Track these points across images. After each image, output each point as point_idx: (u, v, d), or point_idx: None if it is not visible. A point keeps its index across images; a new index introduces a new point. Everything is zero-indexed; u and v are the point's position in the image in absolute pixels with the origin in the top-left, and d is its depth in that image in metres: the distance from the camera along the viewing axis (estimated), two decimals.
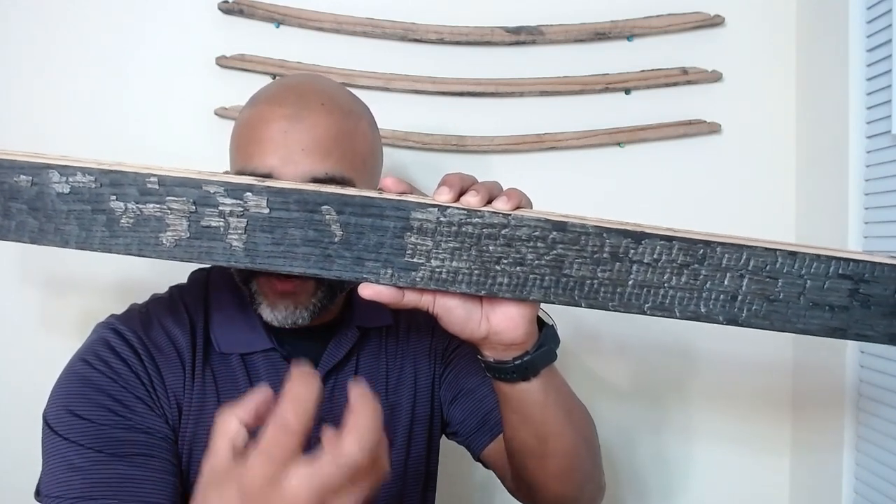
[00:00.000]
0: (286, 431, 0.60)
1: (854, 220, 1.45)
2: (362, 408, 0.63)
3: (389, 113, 1.39)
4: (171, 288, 1.17)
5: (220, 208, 0.81)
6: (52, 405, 0.99)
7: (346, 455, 0.60)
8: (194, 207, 0.81)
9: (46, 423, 0.97)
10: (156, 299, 1.14)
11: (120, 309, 1.11)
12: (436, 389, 1.22)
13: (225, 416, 0.65)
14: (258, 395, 0.66)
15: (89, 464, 0.93)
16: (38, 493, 0.96)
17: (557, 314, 0.97)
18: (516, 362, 0.92)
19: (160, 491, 0.95)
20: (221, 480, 0.62)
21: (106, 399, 0.98)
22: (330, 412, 1.12)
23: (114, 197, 0.81)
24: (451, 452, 1.29)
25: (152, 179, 0.80)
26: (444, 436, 1.26)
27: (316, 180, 0.96)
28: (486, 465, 1.22)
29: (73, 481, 0.92)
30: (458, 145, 1.60)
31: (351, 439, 0.60)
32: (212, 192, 0.81)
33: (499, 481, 1.20)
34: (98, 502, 0.91)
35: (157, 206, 0.81)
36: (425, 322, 1.20)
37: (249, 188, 0.81)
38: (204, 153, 1.33)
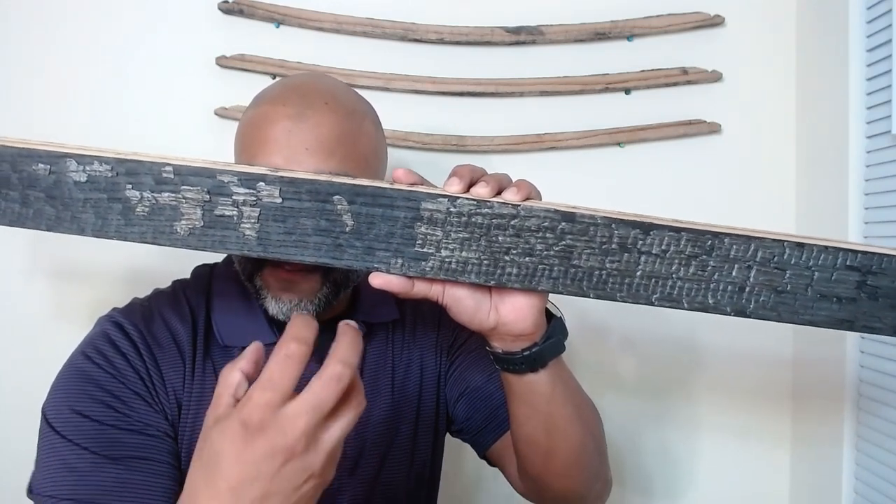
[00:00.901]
0: (288, 360, 0.67)
1: (854, 219, 1.45)
2: (342, 334, 0.71)
3: (389, 113, 1.39)
4: (175, 282, 1.17)
5: (234, 198, 0.81)
6: (51, 400, 0.99)
7: (331, 371, 0.67)
8: (208, 197, 0.81)
9: (45, 419, 0.97)
10: (158, 293, 1.14)
11: (130, 298, 1.12)
12: (441, 385, 1.22)
13: (227, 369, 0.71)
14: (255, 347, 0.73)
15: (85, 466, 0.93)
16: (30, 491, 0.95)
17: (563, 307, 0.98)
18: (525, 353, 0.92)
19: (155, 496, 0.95)
20: (222, 419, 0.68)
21: (104, 395, 0.98)
22: None
23: (129, 186, 0.81)
24: (452, 451, 1.29)
25: (167, 169, 0.81)
26: (448, 433, 1.26)
27: None
28: (491, 463, 1.22)
29: (67, 482, 0.92)
30: (458, 145, 1.60)
31: (334, 359, 0.68)
32: (226, 181, 0.81)
33: (501, 482, 1.20)
34: None
35: (172, 195, 0.81)
36: (431, 317, 1.20)
37: (262, 178, 0.81)
38: (204, 153, 1.31)
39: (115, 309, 1.09)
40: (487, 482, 1.66)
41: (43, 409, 0.99)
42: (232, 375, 0.70)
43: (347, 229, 0.82)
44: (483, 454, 1.22)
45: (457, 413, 1.21)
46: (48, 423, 0.96)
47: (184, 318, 1.08)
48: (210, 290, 1.13)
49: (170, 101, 1.61)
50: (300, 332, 0.69)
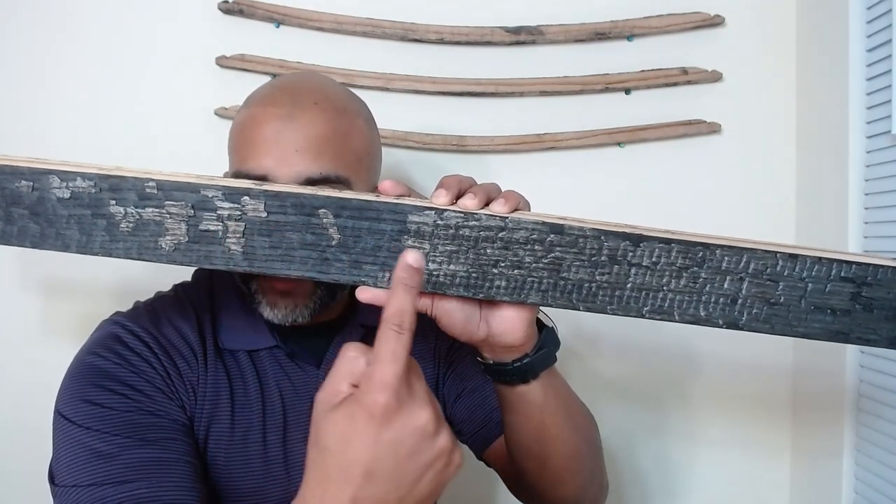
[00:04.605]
0: (400, 331, 0.69)
1: (854, 220, 1.45)
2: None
3: (389, 113, 1.39)
4: (176, 286, 1.16)
5: (219, 212, 0.81)
6: (65, 398, 0.98)
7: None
8: (192, 211, 0.81)
9: (61, 415, 0.96)
10: (161, 297, 1.14)
11: (119, 310, 1.11)
12: (439, 388, 1.22)
13: (348, 353, 0.72)
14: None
15: (118, 449, 0.92)
16: (57, 485, 0.93)
17: (558, 316, 0.97)
18: (515, 364, 0.92)
19: (188, 474, 0.94)
20: (346, 403, 0.68)
21: (120, 386, 0.97)
22: None
23: (113, 202, 0.80)
24: None
25: (151, 184, 0.80)
26: None
27: (311, 181, 0.97)
28: (488, 465, 1.22)
29: (102, 468, 0.91)
30: (458, 145, 1.60)
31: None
32: (210, 196, 0.80)
33: (500, 482, 1.20)
34: (133, 485, 0.90)
35: (156, 210, 0.81)
36: (428, 322, 1.20)
37: (247, 192, 0.81)
38: (204, 153, 1.32)
39: (118, 313, 1.08)
40: (486, 484, 1.66)
41: (56, 407, 0.98)
42: (357, 362, 0.70)
43: (334, 243, 0.82)
44: (481, 455, 1.22)
45: (455, 414, 1.21)
46: (65, 418, 0.95)
47: (189, 322, 1.08)
48: (212, 296, 1.12)
49: (170, 101, 1.60)
50: (401, 303, 0.70)
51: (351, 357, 0.70)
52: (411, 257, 0.70)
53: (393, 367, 0.66)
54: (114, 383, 0.97)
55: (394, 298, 0.69)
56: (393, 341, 0.67)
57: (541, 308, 0.93)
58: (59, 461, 0.94)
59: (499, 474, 1.20)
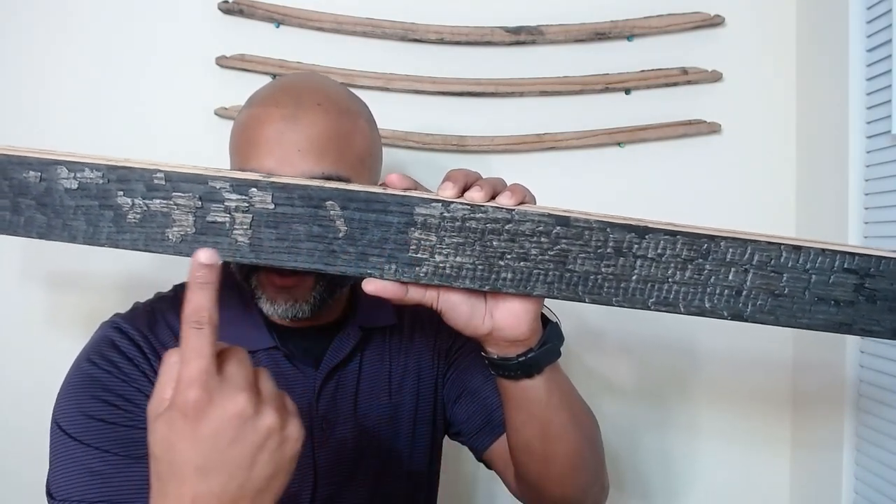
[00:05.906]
0: (199, 327, 0.69)
1: (854, 219, 1.45)
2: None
3: (389, 113, 1.39)
4: (176, 286, 1.17)
5: (226, 204, 0.81)
6: (62, 407, 0.99)
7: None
8: (200, 203, 0.81)
9: (58, 427, 0.97)
10: (160, 297, 1.14)
11: (123, 307, 1.11)
12: (439, 389, 1.22)
13: (167, 358, 0.72)
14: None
15: (109, 468, 0.93)
16: (52, 497, 0.94)
17: (559, 312, 0.97)
18: (520, 359, 0.92)
19: None
20: (166, 409, 0.69)
21: (115, 398, 0.98)
22: (333, 410, 1.12)
23: (121, 192, 0.80)
24: (451, 453, 1.29)
25: (159, 175, 0.80)
26: (447, 436, 1.26)
27: None
28: (488, 466, 1.21)
29: (93, 486, 0.92)
30: (458, 145, 1.60)
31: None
32: (217, 187, 0.80)
33: (500, 483, 1.20)
34: None
35: (164, 201, 0.81)
36: (429, 322, 1.20)
37: (255, 184, 0.81)
38: (204, 153, 1.32)
39: (117, 314, 1.09)
40: (486, 484, 1.65)
41: (54, 416, 0.98)
42: (176, 367, 0.70)
43: (340, 235, 0.82)
44: (480, 457, 1.22)
45: (454, 415, 1.21)
46: (62, 430, 0.96)
47: None
48: None
49: (170, 101, 1.60)
50: (198, 300, 0.69)
51: (172, 363, 0.71)
52: (203, 255, 0.70)
53: (196, 362, 0.68)
54: (107, 394, 0.98)
55: (190, 297, 0.70)
56: (194, 338, 0.68)
57: (545, 303, 0.93)
58: (55, 473, 0.96)
59: (499, 475, 1.20)
